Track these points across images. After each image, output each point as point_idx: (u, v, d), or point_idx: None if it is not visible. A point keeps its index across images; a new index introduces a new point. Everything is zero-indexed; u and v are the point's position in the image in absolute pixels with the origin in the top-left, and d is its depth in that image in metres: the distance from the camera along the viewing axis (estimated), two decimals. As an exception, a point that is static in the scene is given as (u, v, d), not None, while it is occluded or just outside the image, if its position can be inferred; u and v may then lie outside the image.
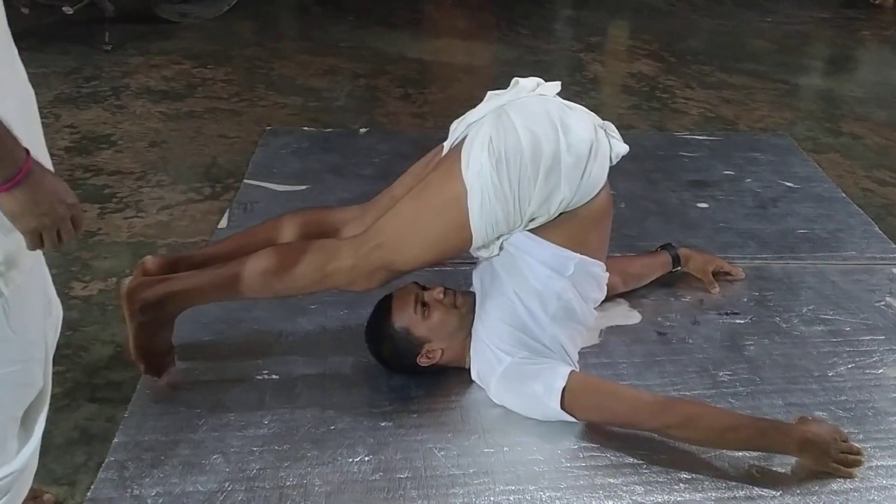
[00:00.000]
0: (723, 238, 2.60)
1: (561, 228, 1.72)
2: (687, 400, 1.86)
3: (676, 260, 2.32)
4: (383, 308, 1.90)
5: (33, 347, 1.26)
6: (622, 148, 1.76)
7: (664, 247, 2.35)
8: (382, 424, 1.81)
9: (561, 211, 1.68)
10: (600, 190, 1.72)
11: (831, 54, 4.67)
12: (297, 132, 3.31)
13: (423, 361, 1.86)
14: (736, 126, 3.51)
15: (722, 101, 3.74)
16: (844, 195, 2.89)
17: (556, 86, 1.79)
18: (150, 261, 1.87)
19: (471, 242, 1.72)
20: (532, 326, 1.77)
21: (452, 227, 1.70)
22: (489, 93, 1.79)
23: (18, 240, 1.15)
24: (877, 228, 2.66)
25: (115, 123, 3.30)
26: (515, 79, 1.78)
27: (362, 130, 3.36)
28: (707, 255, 2.38)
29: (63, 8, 4.04)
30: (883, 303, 2.29)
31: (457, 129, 1.83)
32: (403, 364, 1.89)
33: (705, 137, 3.36)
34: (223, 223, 2.59)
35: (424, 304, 1.86)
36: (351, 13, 4.97)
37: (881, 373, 2.01)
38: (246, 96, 3.66)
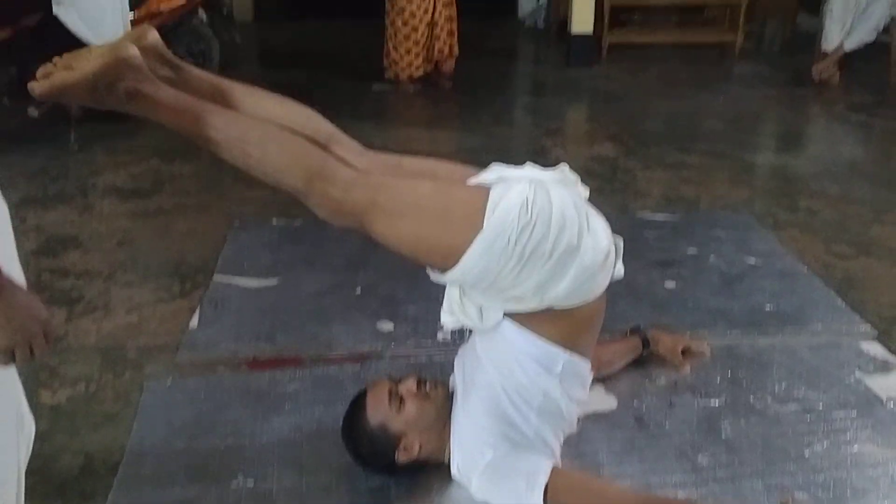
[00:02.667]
0: (693, 317, 2.63)
1: (554, 325, 1.73)
2: (671, 498, 1.85)
3: (646, 342, 2.35)
4: (358, 406, 1.88)
5: (4, 469, 1.23)
6: (620, 272, 1.80)
7: (633, 329, 2.39)
8: (362, 527, 1.78)
9: (549, 305, 1.69)
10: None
11: (783, 131, 4.83)
12: (266, 225, 3.32)
13: (401, 457, 1.83)
14: (697, 205, 3.59)
15: (682, 181, 3.83)
16: (807, 270, 2.95)
17: (586, 191, 1.82)
18: (151, 36, 1.74)
19: (448, 267, 1.67)
20: (517, 420, 1.76)
21: (446, 244, 1.66)
22: (528, 163, 1.80)
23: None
24: (841, 302, 2.71)
25: (82, 223, 3.29)
26: (563, 164, 1.81)
27: (331, 222, 3.38)
28: (675, 336, 2.41)
29: (28, 109, 4.07)
30: (853, 378, 2.31)
31: (488, 173, 1.78)
32: (382, 462, 1.86)
33: (668, 217, 3.43)
34: (194, 323, 2.57)
35: (399, 398, 1.85)
36: (318, 105, 5.02)
37: (856, 450, 2.02)
38: (213, 191, 3.68)
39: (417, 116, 5.14)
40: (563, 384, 1.79)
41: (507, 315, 1.76)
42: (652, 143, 4.42)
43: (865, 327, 2.57)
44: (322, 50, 6.93)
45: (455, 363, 1.97)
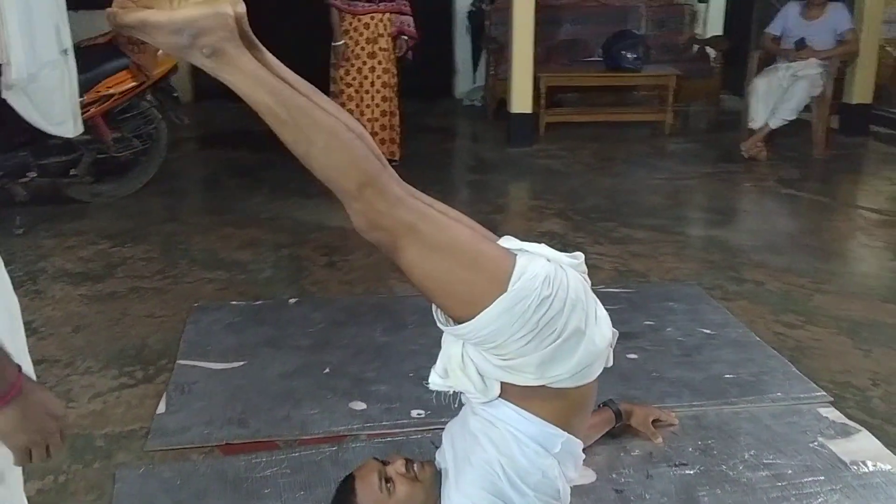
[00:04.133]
0: (658, 387, 2.70)
1: (551, 405, 1.77)
2: None
3: (619, 415, 2.40)
4: (346, 490, 1.86)
5: None
6: (611, 360, 1.89)
7: (606, 403, 2.43)
8: None
9: (545, 384, 1.73)
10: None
11: (721, 206, 5.04)
12: (227, 307, 3.29)
13: (392, 541, 1.82)
14: (648, 278, 3.71)
15: (631, 256, 3.96)
16: (759, 339, 3.07)
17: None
18: (241, 6, 1.61)
19: (463, 317, 1.68)
20: (514, 499, 1.77)
21: (469, 293, 1.67)
22: (543, 245, 1.84)
23: (6, 454, 1.11)
24: (795, 369, 2.82)
25: (34, 309, 3.20)
26: (579, 252, 1.88)
27: (292, 301, 3.37)
28: (647, 408, 2.47)
29: None
30: (816, 443, 2.40)
31: (510, 242, 1.83)
32: (373, 546, 1.84)
33: (622, 290, 3.53)
34: (161, 408, 2.52)
35: (388, 480, 1.84)
36: (266, 185, 5.08)
37: (829, 514, 2.09)
38: (169, 273, 3.64)
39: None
40: (561, 464, 1.82)
41: (504, 394, 1.79)
42: (597, 218, 4.56)
43: (821, 394, 2.67)
44: (265, 130, 6.95)
45: (444, 439, 1.97)
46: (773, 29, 6.13)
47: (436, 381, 1.87)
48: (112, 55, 4.15)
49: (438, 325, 1.81)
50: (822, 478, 2.23)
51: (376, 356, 2.89)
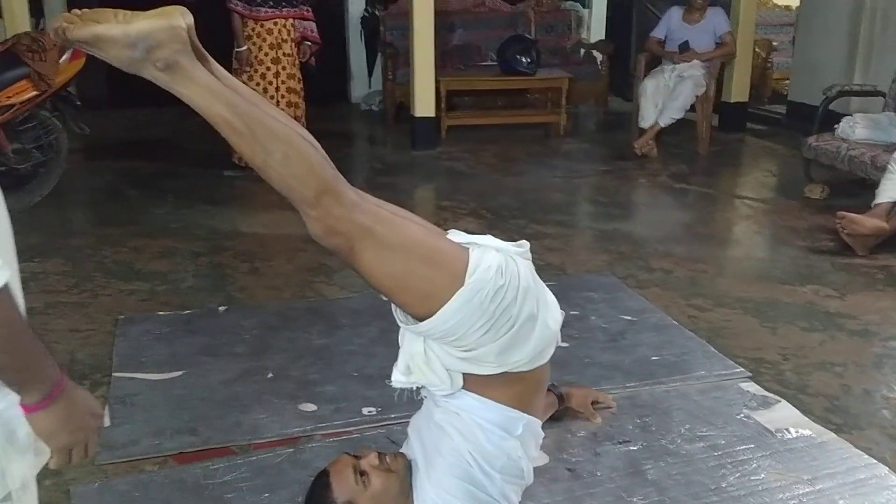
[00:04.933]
0: (592, 372, 2.84)
1: (511, 389, 1.85)
2: None
3: (560, 398, 2.52)
4: (321, 485, 1.88)
5: None
6: (559, 342, 1.98)
7: (548, 387, 2.54)
8: None
9: (506, 370, 1.81)
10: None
11: (620, 201, 5.29)
12: (154, 318, 3.22)
13: (369, 532, 1.86)
14: (564, 271, 3.87)
15: (546, 250, 4.11)
16: (676, 322, 3.26)
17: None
18: (189, 18, 1.60)
19: (423, 314, 1.74)
20: (483, 482, 1.84)
21: (428, 290, 1.72)
22: (489, 236, 1.90)
23: (31, 462, 1.11)
24: (713, 349, 3.03)
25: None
26: (524, 241, 1.94)
27: (222, 308, 3.34)
28: (585, 390, 2.60)
29: None
30: (742, 415, 2.59)
31: (459, 236, 1.88)
32: (350, 539, 1.88)
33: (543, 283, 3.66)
34: (106, 421, 2.45)
35: (363, 473, 1.88)
36: (170, 194, 4.97)
37: (763, 477, 2.27)
38: (86, 287, 3.52)
39: (277, 201, 5.08)
40: (524, 445, 1.90)
41: (466, 384, 1.86)
42: (508, 216, 4.70)
43: (740, 370, 2.88)
44: (163, 138, 6.80)
45: (410, 433, 2.02)
46: (658, 32, 6.47)
47: (399, 379, 1.91)
48: (11, 63, 3.96)
49: (399, 323, 1.86)
50: (753, 445, 2.42)
51: (317, 358, 2.91)
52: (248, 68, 5.28)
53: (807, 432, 2.49)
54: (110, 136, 6.82)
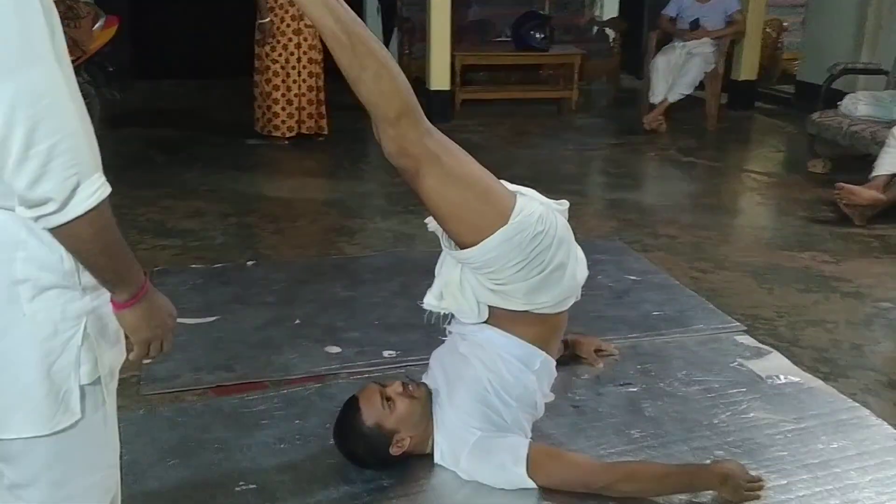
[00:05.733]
0: (598, 324, 3.03)
1: (533, 329, 2.07)
2: (624, 461, 2.20)
3: (567, 345, 2.72)
4: (351, 409, 2.10)
5: (117, 453, 1.38)
6: (579, 296, 2.20)
7: (557, 336, 2.75)
8: (367, 512, 2.00)
9: (529, 310, 2.02)
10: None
11: (630, 172, 5.47)
12: (188, 270, 3.44)
13: (395, 451, 2.07)
14: (576, 235, 4.05)
15: (557, 217, 4.29)
16: (678, 283, 3.46)
17: None
18: None
19: (467, 243, 1.93)
20: (500, 408, 2.05)
21: (477, 221, 1.92)
22: (533, 190, 2.09)
23: (119, 352, 1.31)
24: (712, 306, 3.22)
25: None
26: (564, 200, 2.14)
27: (250, 263, 3.55)
28: (590, 338, 2.80)
29: None
30: (736, 363, 2.79)
31: (509, 186, 2.06)
32: (377, 457, 2.09)
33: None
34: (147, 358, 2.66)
35: (389, 399, 2.10)
36: (198, 161, 5.17)
37: (752, 416, 2.47)
38: (122, 242, 3.73)
39: (302, 167, 5.34)
40: (539, 380, 2.12)
41: (492, 319, 2.07)
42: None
43: (736, 324, 3.07)
44: (187, 108, 7.00)
45: (432, 365, 2.23)
46: (669, 11, 6.60)
47: (431, 302, 2.12)
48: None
49: (444, 248, 2.07)
50: (745, 389, 2.62)
51: (342, 308, 3.12)
52: (270, 39, 5.46)
53: (795, 379, 2.68)
54: (136, 105, 7.01)
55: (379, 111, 1.85)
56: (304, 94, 5.59)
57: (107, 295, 1.27)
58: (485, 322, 2.10)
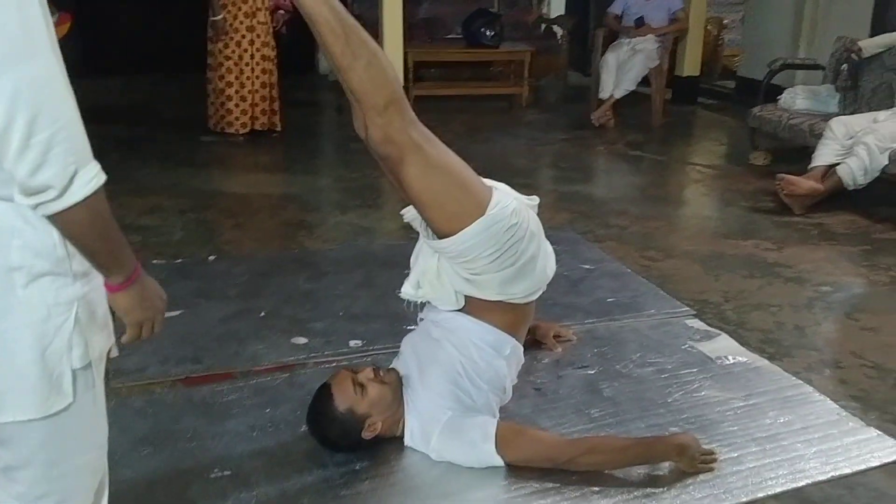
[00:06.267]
0: (555, 311, 3.13)
1: (504, 316, 2.16)
2: (586, 436, 2.30)
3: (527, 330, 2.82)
4: (324, 395, 2.16)
5: (105, 434, 1.43)
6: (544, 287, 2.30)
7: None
8: (342, 493, 2.06)
9: (504, 299, 2.11)
10: None
11: (580, 166, 5.60)
12: (148, 265, 3.42)
13: (367, 435, 2.14)
14: (529, 227, 4.16)
15: (511, 209, 4.39)
16: (630, 271, 3.59)
17: None
18: None
19: (445, 232, 2.01)
20: (471, 390, 2.14)
21: (455, 211, 1.99)
22: (506, 185, 2.17)
23: (107, 336, 1.36)
24: (663, 292, 3.35)
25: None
26: (535, 196, 2.24)
27: (211, 258, 3.57)
28: (548, 324, 2.90)
29: None
30: (687, 346, 2.92)
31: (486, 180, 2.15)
32: (349, 441, 2.15)
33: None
34: (114, 351, 2.68)
35: (360, 385, 2.16)
36: (153, 157, 5.15)
37: (704, 394, 2.59)
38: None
39: (257, 163, 5.36)
40: (509, 365, 2.21)
41: (466, 307, 2.15)
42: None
43: (686, 309, 3.21)
44: (139, 104, 6.95)
45: (403, 350, 2.31)
46: (615, 8, 6.76)
47: (409, 291, 2.20)
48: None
49: (423, 238, 2.15)
50: (696, 370, 2.75)
51: (305, 300, 3.17)
52: (224, 36, 5.46)
53: (743, 359, 2.82)
54: (87, 101, 6.82)
55: (368, 99, 1.91)
56: (257, 91, 5.61)
57: (96, 281, 1.31)
58: (459, 310, 2.19)
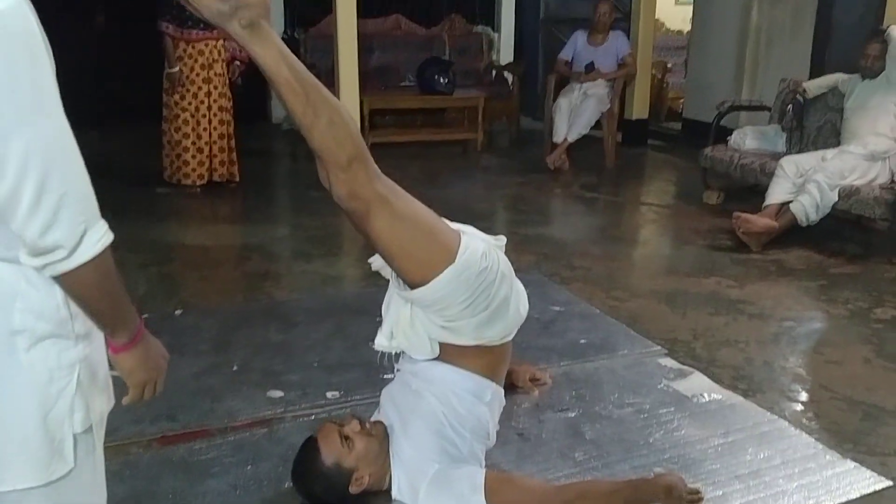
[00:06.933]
0: (530, 354, 3.14)
1: (482, 360, 2.15)
2: (574, 482, 2.30)
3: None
4: (310, 449, 2.13)
5: (104, 497, 1.38)
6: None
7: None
8: (333, 550, 2.02)
9: (479, 344, 2.10)
10: None
11: (539, 209, 5.67)
12: (114, 322, 3.36)
13: (354, 489, 2.10)
14: (495, 271, 4.18)
15: (475, 254, 4.42)
16: (599, 311, 3.63)
17: None
18: None
19: (417, 282, 1.99)
20: (456, 440, 2.12)
21: (426, 259, 1.99)
22: (473, 227, 2.18)
23: (108, 398, 1.33)
24: (633, 332, 3.39)
25: None
26: (502, 236, 2.23)
27: (178, 312, 3.51)
28: (525, 367, 2.91)
29: None
30: (663, 384, 2.95)
31: (452, 224, 2.14)
32: (336, 496, 2.11)
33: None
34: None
35: (347, 438, 2.13)
36: (108, 211, 5.02)
37: (684, 433, 2.62)
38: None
39: (217, 214, 5.30)
40: (491, 410, 2.20)
41: (443, 356, 2.14)
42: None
43: (658, 348, 3.25)
44: (90, 157, 6.61)
45: (383, 402, 2.29)
46: (565, 54, 6.92)
47: (382, 342, 2.18)
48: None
49: (395, 289, 2.14)
50: (673, 408, 2.78)
51: (279, 352, 3.13)
52: (180, 88, 5.42)
53: (718, 396, 2.86)
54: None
55: (331, 156, 1.91)
56: (215, 142, 5.58)
57: (97, 342, 1.29)
58: (435, 358, 2.18)
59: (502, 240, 2.28)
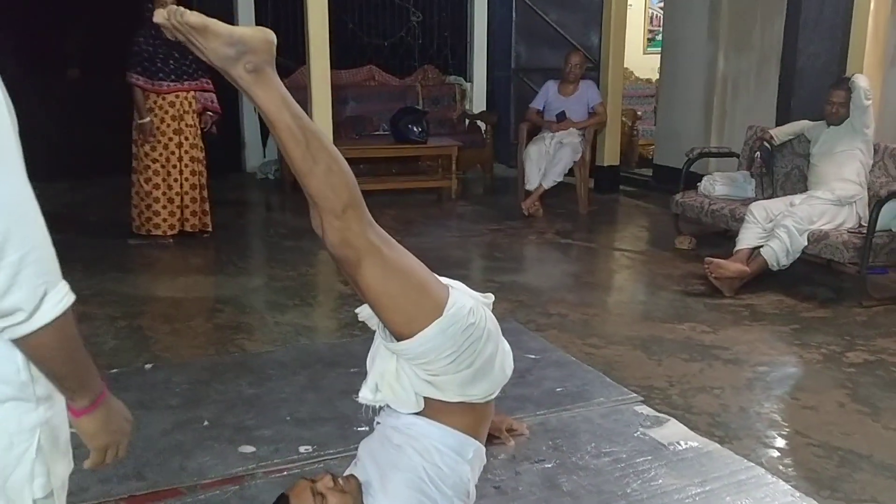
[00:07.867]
0: (506, 404, 3.10)
1: (466, 418, 2.11)
2: None
3: (478, 427, 2.80)
4: (281, 508, 2.08)
5: None
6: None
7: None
8: None
9: (462, 400, 2.08)
10: None
11: (514, 256, 5.69)
12: (82, 378, 3.29)
13: (327, 548, 2.05)
14: (470, 320, 4.17)
15: (450, 302, 4.40)
16: (575, 359, 3.61)
17: None
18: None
19: (404, 334, 1.96)
20: (436, 496, 2.08)
21: (413, 313, 1.94)
22: (461, 283, 2.13)
23: (69, 462, 1.29)
24: (609, 379, 3.38)
25: None
26: (490, 294, 2.18)
27: (148, 366, 3.45)
28: (501, 417, 2.88)
29: None
30: (639, 432, 2.93)
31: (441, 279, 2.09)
32: (310, 554, 2.06)
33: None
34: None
35: (320, 495, 2.08)
36: (77, 263, 4.99)
37: (661, 482, 2.60)
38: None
39: (188, 265, 5.24)
40: (472, 468, 2.17)
41: (426, 411, 2.11)
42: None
43: (634, 395, 3.24)
44: (57, 210, 6.72)
45: (361, 456, 2.23)
46: (537, 104, 7.01)
47: (367, 396, 2.14)
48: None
49: (381, 339, 2.11)
50: (650, 457, 2.76)
51: (251, 406, 3.08)
52: (151, 139, 5.41)
53: (695, 444, 2.85)
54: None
55: (327, 203, 1.90)
56: (186, 193, 5.55)
57: (59, 405, 1.25)
58: (418, 413, 2.15)
59: (490, 297, 2.26)
